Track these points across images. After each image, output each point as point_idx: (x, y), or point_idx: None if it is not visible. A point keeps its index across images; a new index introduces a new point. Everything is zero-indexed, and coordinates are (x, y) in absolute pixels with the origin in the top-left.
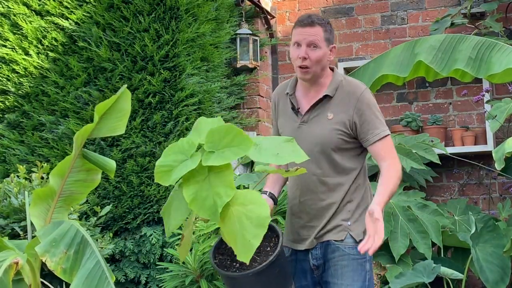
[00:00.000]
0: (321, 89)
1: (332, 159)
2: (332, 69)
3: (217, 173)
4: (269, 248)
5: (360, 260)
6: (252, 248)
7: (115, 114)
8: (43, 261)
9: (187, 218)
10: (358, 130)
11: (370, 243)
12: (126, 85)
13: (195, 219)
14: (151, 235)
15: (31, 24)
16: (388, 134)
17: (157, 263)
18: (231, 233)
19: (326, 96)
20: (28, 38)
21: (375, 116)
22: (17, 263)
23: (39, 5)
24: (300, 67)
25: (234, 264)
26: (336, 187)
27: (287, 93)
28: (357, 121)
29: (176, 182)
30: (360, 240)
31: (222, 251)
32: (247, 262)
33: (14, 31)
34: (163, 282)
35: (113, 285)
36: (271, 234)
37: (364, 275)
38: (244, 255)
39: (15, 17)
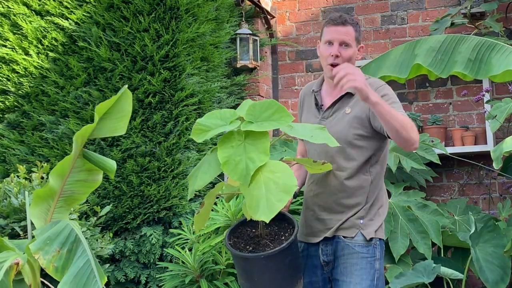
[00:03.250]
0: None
1: (347, 155)
2: None
3: (253, 141)
4: (283, 238)
5: (369, 258)
6: (275, 209)
7: (116, 114)
8: (36, 258)
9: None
10: (375, 118)
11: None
12: (126, 85)
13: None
14: (151, 235)
15: (31, 24)
16: (404, 115)
17: (157, 263)
18: (255, 196)
19: (347, 93)
20: (28, 38)
21: (390, 102)
22: (17, 264)
23: (39, 5)
24: (332, 65)
25: (247, 247)
26: (351, 184)
27: (313, 90)
28: (373, 114)
29: (210, 149)
30: (371, 239)
31: (238, 234)
32: (267, 221)
33: (14, 31)
34: (163, 282)
35: (100, 285)
36: (288, 225)
37: (373, 273)
38: (265, 215)
39: (15, 17)
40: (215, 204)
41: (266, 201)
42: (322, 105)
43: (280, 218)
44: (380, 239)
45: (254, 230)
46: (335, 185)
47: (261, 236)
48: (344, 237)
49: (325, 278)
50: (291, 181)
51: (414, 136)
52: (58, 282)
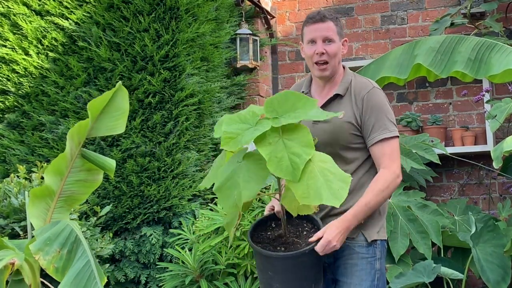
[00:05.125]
0: (333, 86)
1: (345, 157)
2: (343, 67)
3: (291, 136)
4: (305, 232)
5: (369, 258)
6: (342, 196)
7: (113, 112)
8: (36, 259)
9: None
10: (363, 130)
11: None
12: (121, 82)
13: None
14: (151, 235)
15: (31, 24)
16: (388, 137)
17: (157, 263)
18: (312, 185)
19: (337, 95)
20: (28, 38)
21: (378, 118)
22: (13, 264)
23: (39, 5)
24: (318, 63)
25: (278, 249)
26: (350, 186)
27: (303, 91)
28: (363, 120)
29: (239, 155)
30: (372, 241)
31: (258, 239)
32: (338, 206)
33: (14, 31)
34: (163, 282)
35: (100, 286)
36: (300, 221)
37: (373, 274)
38: (334, 201)
39: (15, 17)
40: (215, 204)
41: (328, 188)
42: None
43: (291, 218)
44: (382, 240)
45: (269, 233)
46: None
47: (284, 235)
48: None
49: (329, 279)
50: (343, 171)
51: (393, 187)
52: (58, 282)
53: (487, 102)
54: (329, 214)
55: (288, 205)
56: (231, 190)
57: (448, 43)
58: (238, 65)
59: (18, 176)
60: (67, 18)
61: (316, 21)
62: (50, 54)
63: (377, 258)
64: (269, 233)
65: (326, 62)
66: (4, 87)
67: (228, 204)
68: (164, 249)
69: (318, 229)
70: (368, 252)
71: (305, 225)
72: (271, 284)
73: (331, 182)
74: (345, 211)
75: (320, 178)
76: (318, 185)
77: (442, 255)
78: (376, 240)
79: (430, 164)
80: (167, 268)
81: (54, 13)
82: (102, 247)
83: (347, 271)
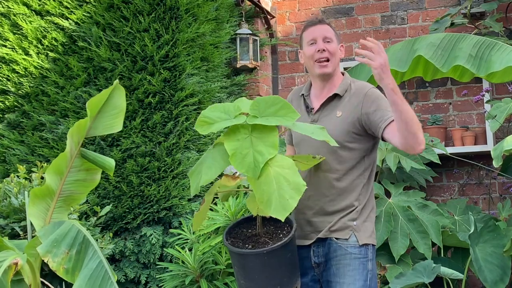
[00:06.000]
0: (332, 88)
1: (339, 157)
2: (342, 73)
3: (260, 135)
4: (282, 235)
5: (362, 259)
6: (290, 207)
7: (110, 111)
8: (45, 261)
9: (216, 179)
10: (370, 121)
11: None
12: (121, 82)
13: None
14: (151, 235)
15: (31, 24)
16: None
17: (157, 263)
18: (266, 192)
19: (336, 95)
20: (28, 38)
21: (384, 106)
22: (16, 264)
23: (39, 5)
24: (320, 61)
25: (247, 245)
26: (343, 186)
27: (302, 94)
28: (367, 114)
29: (212, 145)
30: (363, 245)
31: (234, 235)
32: (283, 220)
33: (14, 31)
34: (163, 282)
35: (116, 285)
36: (283, 224)
37: (366, 274)
38: (280, 213)
39: (15, 17)
40: (215, 204)
41: (278, 197)
42: (313, 108)
43: (276, 218)
44: (372, 244)
45: (250, 230)
46: (327, 187)
47: (259, 235)
48: (336, 238)
49: (315, 279)
50: (300, 180)
51: (421, 136)
52: (58, 282)
53: (487, 102)
54: (319, 213)
55: (250, 204)
56: (198, 175)
57: (449, 40)
58: (238, 65)
59: (18, 176)
60: (67, 18)
61: (315, 24)
62: (50, 54)
63: (369, 259)
64: (250, 230)
65: (327, 60)
66: (4, 87)
67: (193, 187)
68: (164, 249)
69: (289, 233)
70: (360, 253)
71: (285, 229)
72: (238, 278)
73: (283, 190)
74: (336, 211)
75: (274, 185)
76: (271, 192)
77: (442, 255)
78: (367, 244)
79: (430, 164)
80: (167, 268)
81: (54, 13)
82: (102, 247)
83: (339, 271)
